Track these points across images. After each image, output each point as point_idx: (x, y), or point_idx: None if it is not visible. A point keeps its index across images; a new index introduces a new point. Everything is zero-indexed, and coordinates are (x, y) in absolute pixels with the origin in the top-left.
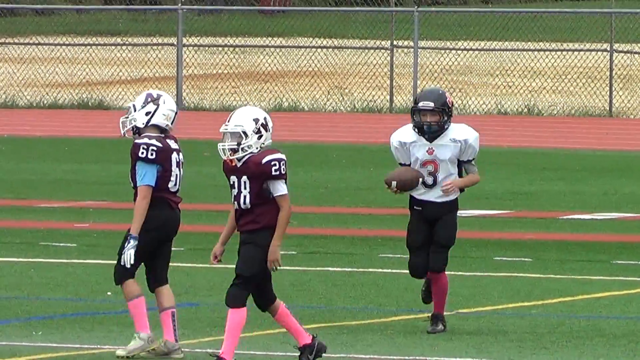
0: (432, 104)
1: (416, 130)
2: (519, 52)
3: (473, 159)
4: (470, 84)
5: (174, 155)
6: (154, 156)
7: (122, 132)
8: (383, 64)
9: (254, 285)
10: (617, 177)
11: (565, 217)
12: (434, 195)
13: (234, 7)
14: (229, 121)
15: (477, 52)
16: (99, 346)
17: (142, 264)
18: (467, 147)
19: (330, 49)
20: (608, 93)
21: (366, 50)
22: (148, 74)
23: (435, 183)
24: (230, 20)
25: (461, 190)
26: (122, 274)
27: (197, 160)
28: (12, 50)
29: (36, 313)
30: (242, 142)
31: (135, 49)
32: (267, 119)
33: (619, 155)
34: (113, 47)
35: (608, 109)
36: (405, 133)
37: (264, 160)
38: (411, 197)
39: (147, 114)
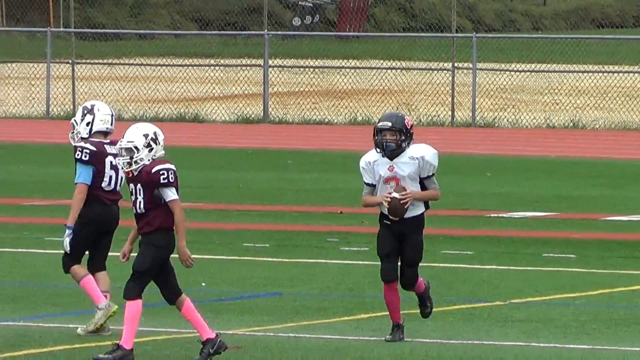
0: (389, 124)
1: (377, 149)
2: (565, 74)
3: (432, 174)
4: (522, 101)
5: (109, 159)
6: (87, 158)
7: (73, 145)
8: (445, 83)
9: (148, 280)
10: None
11: (606, 218)
12: None
13: (314, 33)
14: (122, 138)
15: (528, 73)
16: (194, 331)
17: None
18: (425, 164)
19: (399, 70)
20: None
21: (430, 71)
22: (238, 91)
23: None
24: (310, 44)
25: (426, 206)
26: (67, 263)
27: (280, 166)
28: (119, 69)
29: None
30: (134, 156)
31: (227, 69)
32: (156, 134)
33: None
34: (207, 68)
35: None
36: (371, 154)
37: (153, 170)
38: (381, 212)
39: (87, 124)
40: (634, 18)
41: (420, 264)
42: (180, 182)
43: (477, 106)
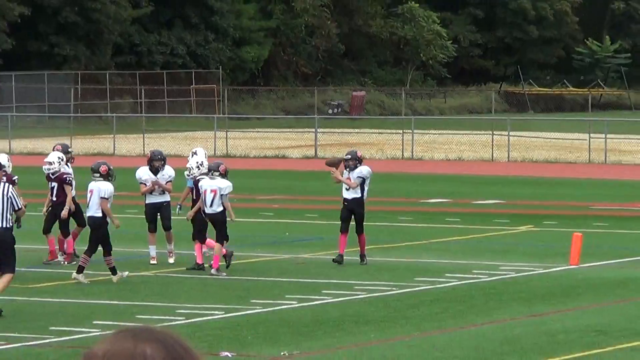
0: (349, 156)
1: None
2: None
3: (363, 177)
4: None
5: None
6: None
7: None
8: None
9: None
10: None
11: None
12: (350, 196)
13: (338, 117)
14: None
15: None
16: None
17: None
18: (360, 172)
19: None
20: None
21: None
22: (307, 144)
23: (349, 189)
24: (336, 122)
25: (362, 193)
26: None
27: None
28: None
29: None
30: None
31: (302, 134)
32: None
33: None
34: (286, 132)
35: None
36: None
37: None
38: (344, 197)
39: None
40: None
41: None
42: None
43: None
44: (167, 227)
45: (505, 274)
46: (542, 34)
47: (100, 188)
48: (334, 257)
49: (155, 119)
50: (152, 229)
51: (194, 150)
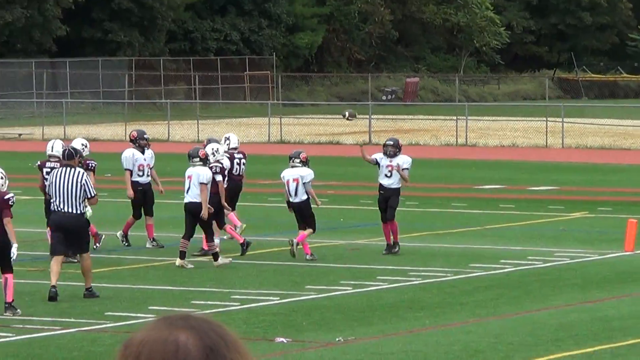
0: (391, 142)
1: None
2: None
3: (406, 168)
4: None
5: None
6: None
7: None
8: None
9: None
10: None
11: None
12: (387, 183)
13: (392, 103)
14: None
15: None
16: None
17: None
18: (404, 162)
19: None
20: None
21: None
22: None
23: (391, 175)
24: (389, 108)
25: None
26: None
27: None
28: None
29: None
30: None
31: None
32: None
33: None
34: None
35: None
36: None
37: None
38: (380, 184)
39: None
40: None
41: None
42: None
43: None
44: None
45: (560, 260)
46: (596, 20)
47: (199, 173)
48: (384, 251)
49: (209, 105)
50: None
51: (227, 136)
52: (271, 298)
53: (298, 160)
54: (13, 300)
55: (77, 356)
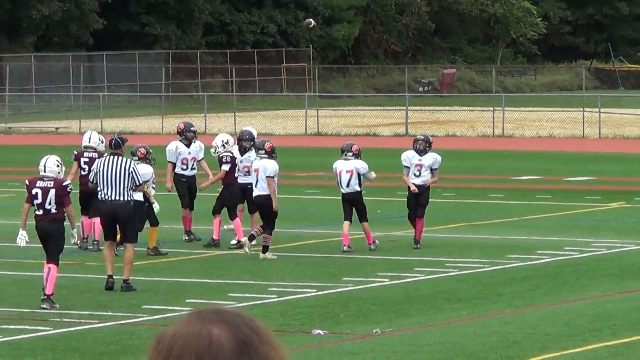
0: (422, 137)
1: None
2: None
3: (436, 168)
4: None
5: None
6: None
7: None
8: None
9: None
10: None
11: None
12: (418, 182)
13: (429, 95)
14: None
15: None
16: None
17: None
18: (433, 162)
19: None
20: None
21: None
22: (399, 122)
23: (420, 174)
24: (426, 99)
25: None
26: None
27: None
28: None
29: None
30: None
31: (394, 112)
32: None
33: None
34: (376, 110)
35: None
36: (409, 152)
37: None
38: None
39: None
40: None
41: None
42: None
43: None
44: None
45: (597, 251)
46: (633, 10)
47: (266, 167)
48: (414, 247)
49: (246, 97)
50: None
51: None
52: (308, 290)
53: (350, 154)
54: (52, 294)
55: (115, 349)
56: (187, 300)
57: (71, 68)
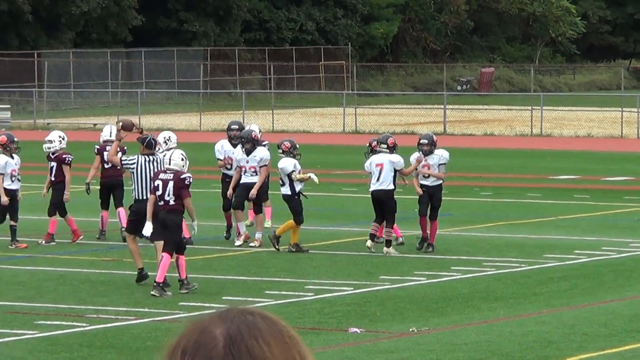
0: (426, 140)
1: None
2: None
3: (443, 164)
4: None
5: None
6: None
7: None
8: None
9: None
10: None
11: None
12: (429, 182)
13: (467, 93)
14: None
15: None
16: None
17: None
18: (439, 159)
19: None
20: None
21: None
22: (434, 120)
23: (429, 176)
24: (462, 98)
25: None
26: None
27: None
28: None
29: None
30: None
31: (432, 110)
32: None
33: None
34: (415, 108)
35: None
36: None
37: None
38: (420, 183)
39: None
40: None
41: None
42: None
43: None
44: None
45: (635, 251)
46: None
47: (392, 160)
48: (417, 245)
49: (284, 95)
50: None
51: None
52: (345, 288)
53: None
54: (163, 281)
55: (151, 346)
56: (224, 298)
57: (109, 64)
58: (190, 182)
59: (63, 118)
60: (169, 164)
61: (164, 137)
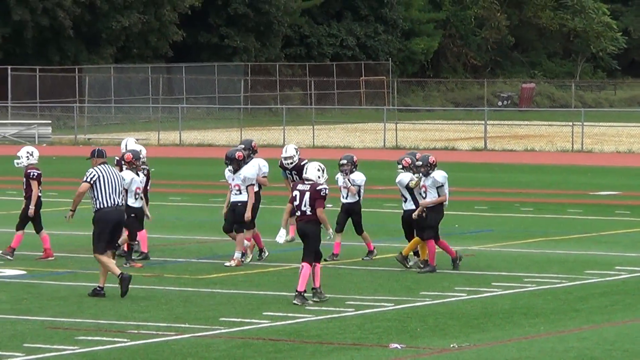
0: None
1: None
2: None
3: (440, 186)
4: None
5: None
6: None
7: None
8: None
9: None
10: None
11: None
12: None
13: (507, 109)
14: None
15: None
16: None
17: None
18: (433, 182)
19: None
20: None
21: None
22: (475, 136)
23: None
24: (503, 114)
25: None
26: None
27: None
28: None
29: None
30: None
31: (473, 126)
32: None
33: None
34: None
35: None
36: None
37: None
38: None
39: None
40: None
41: None
42: None
43: None
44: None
45: None
46: None
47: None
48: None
49: (324, 110)
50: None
51: (287, 148)
52: (385, 304)
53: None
54: (304, 290)
55: None
56: (264, 313)
57: (150, 79)
58: (326, 194)
59: (104, 133)
60: (306, 174)
61: (27, 152)
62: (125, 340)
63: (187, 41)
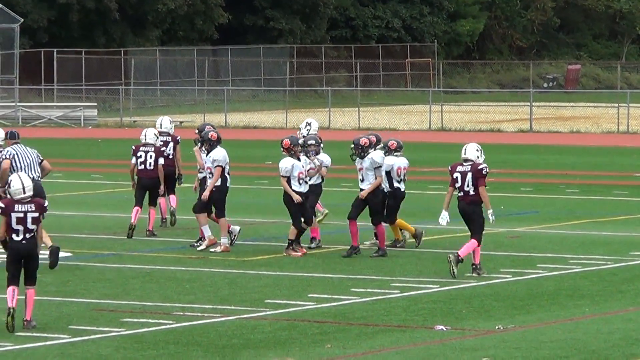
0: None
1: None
2: None
3: (377, 168)
4: None
5: None
6: None
7: None
8: None
9: None
10: None
11: None
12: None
13: (554, 90)
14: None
15: None
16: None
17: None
18: (371, 163)
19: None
20: None
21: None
22: (522, 117)
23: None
24: (550, 95)
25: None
26: None
27: None
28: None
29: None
30: None
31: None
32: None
33: None
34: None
35: None
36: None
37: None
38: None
39: None
40: None
41: None
42: None
43: None
44: None
45: None
46: None
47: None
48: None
49: (370, 92)
50: None
51: (308, 121)
52: (431, 286)
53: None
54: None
55: (237, 343)
56: (310, 295)
57: (196, 62)
58: (486, 172)
59: (149, 116)
60: (465, 154)
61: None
62: (171, 322)
63: (233, 23)
